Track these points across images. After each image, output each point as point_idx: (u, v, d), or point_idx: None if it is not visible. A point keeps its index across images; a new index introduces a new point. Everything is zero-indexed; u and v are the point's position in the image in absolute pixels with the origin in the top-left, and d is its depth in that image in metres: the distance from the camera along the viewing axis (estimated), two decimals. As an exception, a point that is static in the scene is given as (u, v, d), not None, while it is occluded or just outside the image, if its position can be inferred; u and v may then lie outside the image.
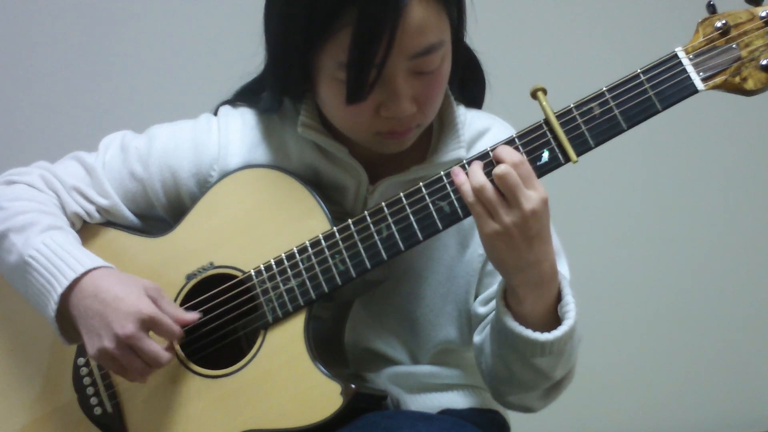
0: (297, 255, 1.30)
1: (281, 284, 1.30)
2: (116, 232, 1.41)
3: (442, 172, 1.25)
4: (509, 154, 1.20)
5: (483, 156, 1.23)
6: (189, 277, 1.35)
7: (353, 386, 1.26)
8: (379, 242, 1.27)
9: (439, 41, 1.23)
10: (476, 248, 1.37)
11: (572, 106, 1.22)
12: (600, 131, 1.21)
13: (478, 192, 1.19)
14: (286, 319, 1.31)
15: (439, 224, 1.26)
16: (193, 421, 1.33)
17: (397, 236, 1.27)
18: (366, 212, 1.28)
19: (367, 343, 1.40)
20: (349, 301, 1.38)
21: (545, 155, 1.22)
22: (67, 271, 1.29)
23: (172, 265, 1.36)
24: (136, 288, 1.29)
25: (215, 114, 1.43)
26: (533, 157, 1.22)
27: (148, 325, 1.27)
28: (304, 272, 1.30)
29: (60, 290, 1.28)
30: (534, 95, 1.23)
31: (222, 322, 1.34)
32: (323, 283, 1.29)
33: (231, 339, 1.36)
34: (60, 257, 1.30)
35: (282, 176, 1.34)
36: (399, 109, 1.24)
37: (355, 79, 1.20)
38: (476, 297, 1.39)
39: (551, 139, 1.22)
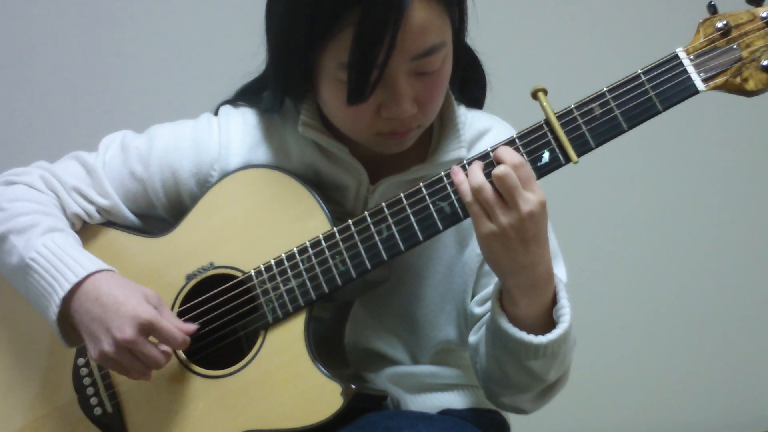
0: (297, 255, 1.30)
1: (281, 284, 1.30)
2: (116, 233, 1.41)
3: (442, 173, 1.25)
4: (510, 155, 1.20)
5: (483, 156, 1.23)
6: (189, 278, 1.35)
7: (353, 386, 1.26)
8: (379, 242, 1.27)
9: (440, 42, 1.23)
10: (474, 248, 1.37)
11: (573, 106, 1.22)
12: (601, 132, 1.21)
13: (476, 192, 1.19)
14: (286, 320, 1.31)
15: (440, 225, 1.26)
16: (193, 421, 1.33)
17: (397, 237, 1.27)
18: (366, 212, 1.28)
19: (367, 344, 1.40)
20: (349, 302, 1.38)
21: (546, 156, 1.22)
22: (68, 275, 1.29)
23: (172, 265, 1.36)
24: (136, 293, 1.29)
25: (216, 114, 1.43)
26: (534, 157, 1.22)
27: (148, 330, 1.27)
28: (304, 272, 1.30)
29: (62, 294, 1.28)
30: (534, 96, 1.23)
31: (222, 322, 1.34)
32: (323, 284, 1.29)
33: (231, 339, 1.36)
34: (61, 260, 1.30)
35: (282, 176, 1.34)
36: (400, 110, 1.24)
37: (356, 80, 1.20)
38: (473, 297, 1.39)
39: (552, 140, 1.22)
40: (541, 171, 1.22)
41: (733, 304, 2.61)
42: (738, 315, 2.61)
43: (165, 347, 1.28)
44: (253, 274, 1.32)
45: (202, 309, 1.34)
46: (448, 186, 1.25)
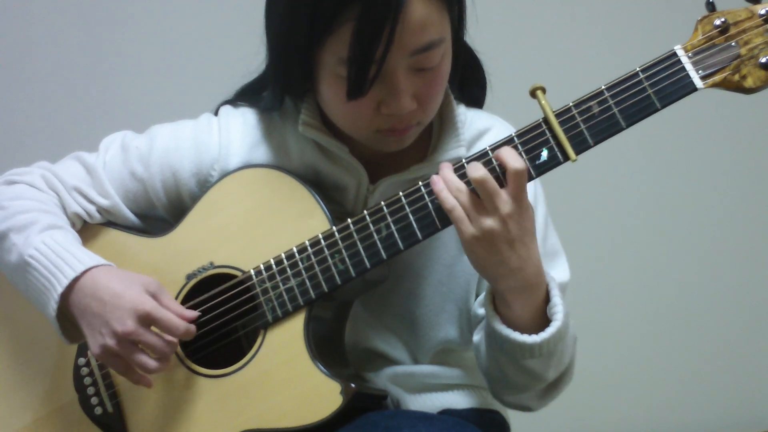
0: (297, 255, 1.30)
1: (281, 284, 1.30)
2: (116, 232, 1.41)
3: (441, 172, 1.25)
4: (512, 158, 1.19)
5: (482, 155, 1.23)
6: (189, 277, 1.35)
7: (353, 385, 1.26)
8: (378, 242, 1.27)
9: (439, 38, 1.23)
10: None
11: (571, 104, 1.22)
12: (599, 130, 1.21)
13: (455, 195, 1.20)
14: (285, 319, 1.31)
15: (439, 224, 1.26)
16: (193, 420, 1.33)
17: (396, 236, 1.27)
18: (365, 212, 1.28)
19: (367, 343, 1.40)
20: (349, 301, 1.38)
21: (544, 154, 1.22)
22: (66, 270, 1.29)
23: (172, 264, 1.37)
24: (135, 284, 1.29)
25: (216, 114, 1.43)
26: (532, 155, 1.22)
27: (148, 321, 1.27)
28: (303, 272, 1.30)
29: (60, 289, 1.29)
30: (533, 94, 1.23)
31: (222, 321, 1.34)
32: (323, 283, 1.29)
33: (231, 339, 1.36)
34: (60, 256, 1.30)
35: (282, 176, 1.34)
36: (399, 106, 1.24)
37: (355, 75, 1.21)
38: (477, 297, 1.40)
39: (550, 138, 1.22)
40: (540, 169, 1.22)
41: (734, 304, 2.60)
42: (738, 315, 2.61)
43: (169, 337, 1.28)
44: (252, 273, 1.32)
45: (202, 308, 1.34)
46: (447, 185, 1.25)
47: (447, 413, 1.39)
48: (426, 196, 1.26)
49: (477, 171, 1.19)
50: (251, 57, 1.36)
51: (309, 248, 1.30)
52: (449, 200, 1.20)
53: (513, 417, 1.49)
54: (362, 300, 1.38)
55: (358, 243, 1.28)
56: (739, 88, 1.20)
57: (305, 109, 1.35)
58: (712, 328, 2.60)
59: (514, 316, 1.24)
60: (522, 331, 1.24)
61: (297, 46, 1.25)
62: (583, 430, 2.54)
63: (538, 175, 1.22)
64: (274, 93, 1.36)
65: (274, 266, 1.31)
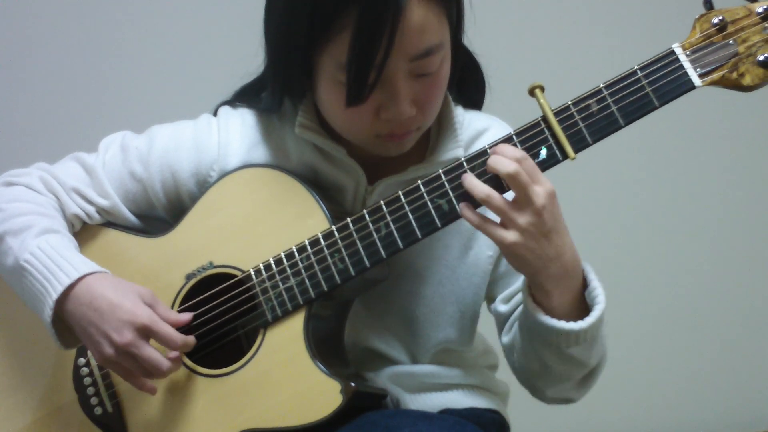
0: (296, 254, 1.30)
1: (280, 283, 1.31)
2: (116, 233, 1.41)
3: (440, 170, 1.25)
4: (511, 151, 1.20)
5: (481, 154, 1.23)
6: (188, 277, 1.35)
7: (353, 384, 1.26)
8: (378, 241, 1.27)
9: (438, 43, 1.23)
10: (483, 249, 1.37)
11: (570, 103, 1.22)
12: (598, 128, 1.21)
13: (485, 202, 1.19)
14: (285, 318, 1.31)
15: (438, 222, 1.26)
16: (193, 420, 1.33)
17: (396, 235, 1.27)
18: (365, 211, 1.28)
19: (366, 343, 1.40)
20: (348, 300, 1.38)
21: (543, 152, 1.22)
22: (61, 277, 1.29)
23: (171, 264, 1.36)
24: (131, 294, 1.28)
25: (215, 114, 1.43)
26: (531, 154, 1.22)
27: (146, 332, 1.27)
28: (303, 271, 1.30)
29: (55, 296, 1.28)
30: (532, 93, 1.23)
31: (221, 321, 1.34)
32: (322, 282, 1.29)
33: (231, 338, 1.36)
34: (54, 262, 1.30)
35: (281, 176, 1.34)
36: (398, 111, 1.24)
37: (354, 81, 1.20)
38: (493, 298, 1.40)
39: (549, 137, 1.22)
40: (539, 168, 1.22)
41: (734, 304, 2.60)
42: (738, 315, 2.61)
43: (172, 353, 1.29)
44: (252, 273, 1.32)
45: (202, 308, 1.34)
46: (446, 184, 1.25)
47: (447, 413, 1.39)
48: (425, 195, 1.26)
49: (508, 166, 1.18)
50: (250, 57, 1.36)
51: (308, 248, 1.30)
52: (476, 220, 1.20)
53: (513, 417, 1.49)
54: (362, 299, 1.38)
55: (358, 242, 1.28)
56: (737, 86, 1.20)
57: (302, 111, 1.35)
58: (713, 328, 2.60)
59: (555, 306, 1.24)
60: (563, 320, 1.24)
61: (296, 51, 1.25)
62: (583, 430, 2.54)
63: (537, 173, 1.22)
64: (272, 95, 1.36)
65: (273, 266, 1.31)
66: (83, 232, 1.41)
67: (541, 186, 1.18)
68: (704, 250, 2.59)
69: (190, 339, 1.30)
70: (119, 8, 2.39)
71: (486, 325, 1.45)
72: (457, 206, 1.24)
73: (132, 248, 1.39)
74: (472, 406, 1.42)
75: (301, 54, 1.25)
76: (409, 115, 1.25)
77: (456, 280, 1.38)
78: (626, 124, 1.21)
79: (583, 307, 1.26)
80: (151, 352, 1.27)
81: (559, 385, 1.34)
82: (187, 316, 1.31)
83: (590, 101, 1.21)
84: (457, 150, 1.35)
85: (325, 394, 1.26)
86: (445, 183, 1.25)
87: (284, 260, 1.31)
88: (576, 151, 1.22)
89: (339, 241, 1.29)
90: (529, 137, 1.23)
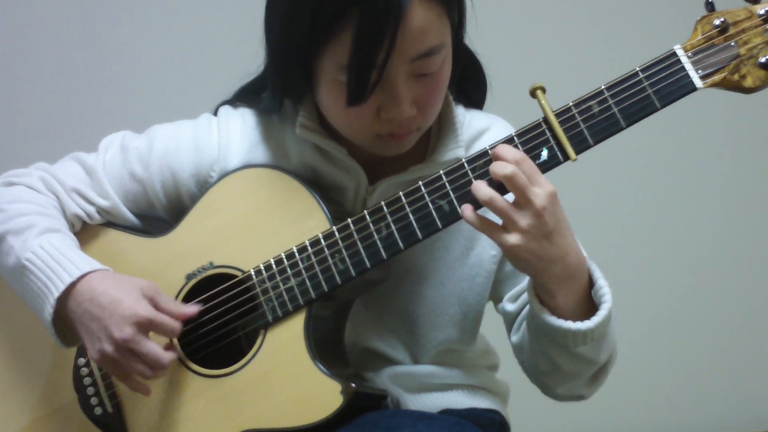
0: (297, 254, 1.30)
1: (281, 284, 1.30)
2: (116, 233, 1.41)
3: (441, 171, 1.25)
4: (510, 152, 1.20)
5: (482, 155, 1.23)
6: (189, 277, 1.35)
7: (353, 385, 1.26)
8: (378, 241, 1.27)
9: (439, 44, 1.23)
10: (486, 249, 1.37)
11: (571, 104, 1.22)
12: (599, 129, 1.21)
13: (488, 204, 1.19)
14: (285, 319, 1.31)
15: (439, 223, 1.26)
16: (193, 420, 1.33)
17: (396, 235, 1.27)
18: (365, 211, 1.28)
19: (367, 343, 1.40)
20: (349, 301, 1.38)
21: (544, 154, 1.22)
22: (63, 275, 1.29)
23: (172, 265, 1.36)
24: (132, 290, 1.29)
25: (215, 114, 1.43)
26: (532, 155, 1.22)
27: (146, 327, 1.27)
28: (303, 272, 1.30)
29: (56, 294, 1.28)
30: (533, 94, 1.23)
31: (222, 321, 1.34)
32: (323, 283, 1.29)
33: (231, 339, 1.36)
34: (56, 260, 1.30)
35: (281, 176, 1.34)
36: (399, 112, 1.24)
37: (355, 81, 1.20)
38: (500, 298, 1.40)
39: (550, 138, 1.22)
40: (540, 169, 1.22)
41: (734, 304, 2.60)
42: (738, 315, 2.61)
43: (170, 350, 1.29)
44: (252, 273, 1.32)
45: (202, 309, 1.34)
46: (446, 185, 1.25)
47: (447, 413, 1.39)
48: (426, 195, 1.26)
49: (505, 168, 1.18)
50: (251, 57, 1.35)
51: (309, 248, 1.30)
52: (476, 222, 1.20)
53: (513, 417, 1.49)
54: (363, 300, 1.38)
55: (358, 243, 1.28)
56: (739, 88, 1.20)
57: (303, 112, 1.34)
58: (712, 328, 2.60)
59: (561, 306, 1.24)
60: (570, 319, 1.23)
61: (296, 51, 1.24)
62: (583, 430, 2.54)
63: (538, 174, 1.22)
64: (272, 95, 1.36)
65: (274, 266, 1.31)
66: (83, 232, 1.41)
67: (541, 187, 1.18)
68: (704, 250, 2.59)
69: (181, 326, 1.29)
70: (119, 8, 2.39)
71: (487, 325, 1.45)
72: (458, 207, 1.24)
73: (132, 248, 1.39)
74: (472, 406, 1.42)
75: (301, 54, 1.24)
76: (410, 116, 1.25)
77: (458, 280, 1.38)
78: (627, 126, 1.21)
79: (590, 306, 1.25)
80: (151, 347, 1.27)
81: (570, 383, 1.33)
82: (193, 309, 1.31)
83: (591, 102, 1.21)
84: (457, 150, 1.35)
85: (325, 395, 1.26)
86: (446, 184, 1.25)
87: (285, 260, 1.30)
88: (577, 153, 1.22)
89: (339, 242, 1.29)
90: (530, 138, 1.23)
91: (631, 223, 2.56)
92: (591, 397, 1.38)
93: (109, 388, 1.37)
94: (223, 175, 1.37)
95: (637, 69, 1.21)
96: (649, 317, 2.58)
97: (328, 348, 1.33)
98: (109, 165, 1.41)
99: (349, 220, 1.29)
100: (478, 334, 1.44)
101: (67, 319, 1.31)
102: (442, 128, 1.36)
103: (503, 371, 1.49)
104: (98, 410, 1.38)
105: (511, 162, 1.18)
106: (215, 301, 1.34)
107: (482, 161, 1.23)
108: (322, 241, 1.29)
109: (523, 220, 1.18)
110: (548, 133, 1.22)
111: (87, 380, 1.38)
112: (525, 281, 1.36)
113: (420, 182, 1.26)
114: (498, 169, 1.19)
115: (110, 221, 1.42)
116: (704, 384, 2.61)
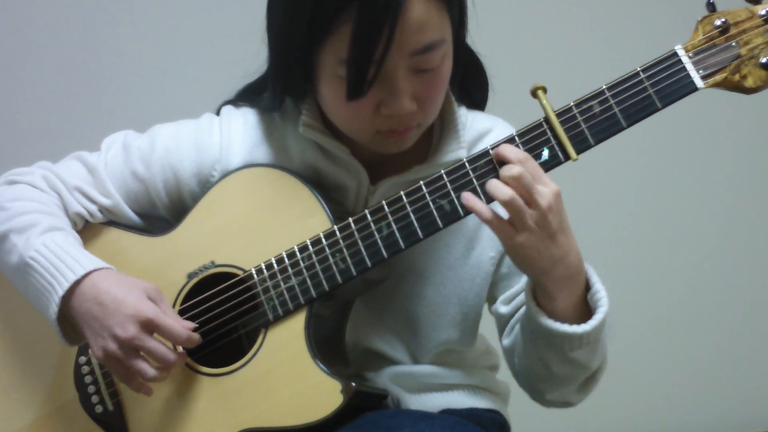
0: (298, 253, 1.30)
1: (282, 283, 1.31)
2: (118, 232, 1.41)
3: (442, 171, 1.25)
4: (514, 152, 1.20)
5: (482, 155, 1.23)
6: (190, 276, 1.35)
7: (354, 384, 1.26)
8: (379, 241, 1.27)
9: (439, 39, 1.23)
10: (485, 250, 1.37)
11: (572, 104, 1.22)
12: (600, 129, 1.21)
13: (507, 204, 1.18)
14: (286, 318, 1.31)
15: (440, 222, 1.26)
16: (193, 419, 1.33)
17: (397, 235, 1.27)
18: (366, 211, 1.28)
19: (367, 343, 1.40)
20: (350, 300, 1.38)
21: (545, 153, 1.22)
22: (67, 273, 1.29)
23: (173, 264, 1.37)
24: (136, 290, 1.29)
25: (217, 114, 1.43)
26: (533, 155, 1.22)
27: (150, 327, 1.27)
28: (304, 271, 1.30)
29: (61, 292, 1.29)
30: (534, 94, 1.23)
31: (223, 320, 1.34)
32: (324, 282, 1.29)
33: (232, 337, 1.36)
34: (60, 259, 1.30)
35: (283, 175, 1.34)
36: (399, 107, 1.24)
37: (354, 75, 1.20)
38: (494, 299, 1.40)
39: (551, 138, 1.22)
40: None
41: (734, 304, 2.61)
42: (738, 315, 2.61)
43: (172, 353, 1.29)
44: (253, 272, 1.32)
45: (203, 307, 1.34)
46: (448, 184, 1.25)
47: (447, 413, 1.39)
48: (427, 195, 1.26)
49: (512, 169, 1.18)
50: (252, 57, 1.36)
51: (310, 247, 1.30)
52: (488, 213, 1.19)
53: (513, 417, 1.49)
54: (363, 299, 1.38)
55: (360, 242, 1.28)
56: (740, 88, 1.20)
57: (306, 110, 1.35)
58: (712, 328, 2.60)
59: (559, 308, 1.24)
60: (566, 323, 1.23)
61: (297, 47, 1.25)
62: (583, 430, 2.54)
63: (539, 174, 1.22)
64: (274, 93, 1.36)
65: (275, 265, 1.31)
66: (85, 230, 1.41)
67: (546, 186, 1.18)
68: (704, 250, 2.59)
69: (195, 335, 1.30)
70: (119, 8, 2.39)
71: (487, 326, 1.45)
72: (459, 207, 1.24)
73: (134, 247, 1.40)
74: (472, 406, 1.42)
75: (301, 52, 1.25)
76: (410, 111, 1.25)
77: (458, 281, 1.38)
78: (628, 126, 1.21)
79: (585, 310, 1.25)
80: (157, 344, 1.27)
81: (561, 389, 1.33)
82: (189, 325, 1.31)
83: (592, 102, 1.21)
84: (459, 151, 1.35)
85: (325, 394, 1.26)
86: (447, 183, 1.25)
87: (286, 259, 1.31)
88: (578, 152, 1.22)
89: (341, 241, 1.29)
90: (531, 138, 1.23)
91: (631, 223, 2.56)
92: (591, 398, 1.38)
93: (110, 386, 1.38)
94: (225, 175, 1.37)
95: (638, 69, 1.21)
96: (649, 317, 2.58)
97: (328, 347, 1.33)
98: (111, 164, 1.41)
99: (350, 219, 1.29)
100: (477, 335, 1.44)
101: (70, 318, 1.31)
102: (444, 129, 1.37)
103: (503, 371, 1.49)
104: (99, 408, 1.38)
105: (515, 162, 1.18)
106: (216, 300, 1.34)
107: (483, 161, 1.23)
108: (323, 240, 1.29)
109: (531, 219, 1.18)
110: (549, 133, 1.22)
111: (88, 378, 1.39)
112: (520, 284, 1.36)
113: (421, 182, 1.26)
114: (504, 170, 1.19)
115: (112, 220, 1.42)
116: (704, 384, 2.61)
